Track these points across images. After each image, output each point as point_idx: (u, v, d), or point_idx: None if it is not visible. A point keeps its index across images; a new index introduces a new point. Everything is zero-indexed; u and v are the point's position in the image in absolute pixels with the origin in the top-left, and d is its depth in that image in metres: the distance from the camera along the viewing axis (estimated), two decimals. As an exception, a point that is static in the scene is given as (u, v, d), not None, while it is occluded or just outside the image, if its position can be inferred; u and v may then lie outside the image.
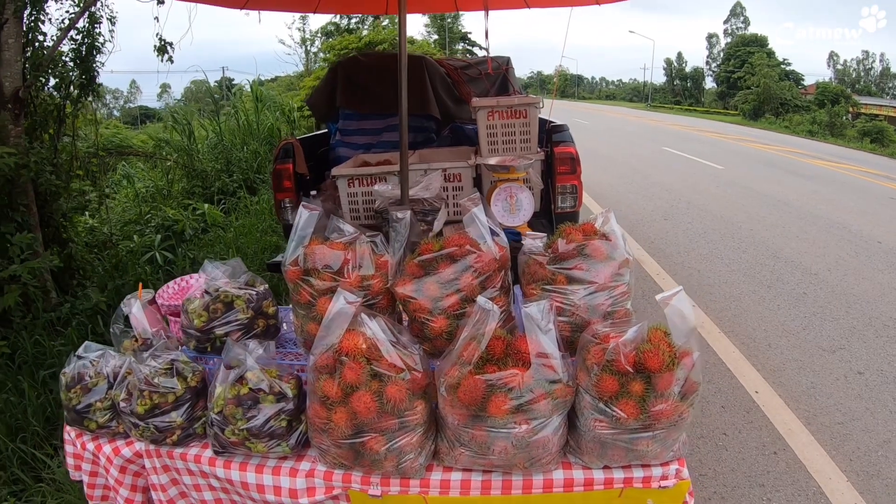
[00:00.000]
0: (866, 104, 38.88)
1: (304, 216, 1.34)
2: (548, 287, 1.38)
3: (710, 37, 57.94)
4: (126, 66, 4.31)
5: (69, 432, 1.59)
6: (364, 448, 1.18)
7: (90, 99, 4.27)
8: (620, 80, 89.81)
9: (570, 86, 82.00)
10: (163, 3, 4.26)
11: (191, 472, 1.44)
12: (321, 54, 19.75)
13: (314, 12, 4.03)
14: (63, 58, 4.23)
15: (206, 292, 1.48)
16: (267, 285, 1.56)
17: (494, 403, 1.14)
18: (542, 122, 3.37)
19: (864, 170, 12.39)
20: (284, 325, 1.67)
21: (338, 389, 1.14)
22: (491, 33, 3.99)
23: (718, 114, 40.59)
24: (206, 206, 5.10)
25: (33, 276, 3.57)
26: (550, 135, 3.28)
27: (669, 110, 45.52)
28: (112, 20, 4.29)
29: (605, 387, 1.15)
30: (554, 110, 3.64)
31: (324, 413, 1.18)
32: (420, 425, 1.20)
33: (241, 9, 3.23)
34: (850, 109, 34.66)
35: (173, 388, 1.36)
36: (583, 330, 1.30)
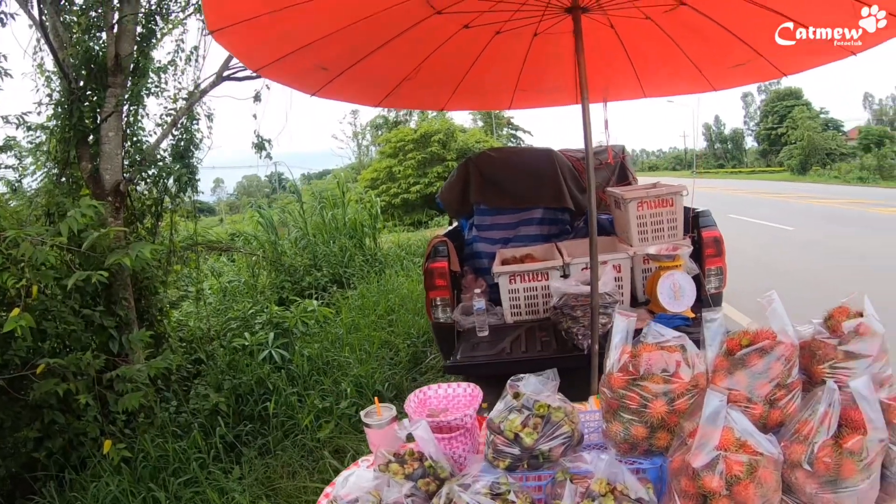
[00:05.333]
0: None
1: (622, 323, 1.59)
2: (838, 365, 1.65)
3: (744, 96, 60.19)
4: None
5: None
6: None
7: (189, 194, 4.52)
8: (661, 150, 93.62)
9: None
10: (259, 100, 4.62)
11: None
12: (374, 147, 21.06)
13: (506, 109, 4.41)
14: (162, 153, 4.50)
15: (524, 407, 1.57)
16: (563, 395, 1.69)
17: (846, 468, 1.38)
18: (686, 208, 3.70)
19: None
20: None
21: (720, 483, 1.36)
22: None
23: (763, 172, 42.19)
24: (315, 302, 5.28)
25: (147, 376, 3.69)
26: (697, 220, 3.59)
27: (715, 175, 47.31)
28: (210, 117, 4.59)
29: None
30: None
31: (696, 508, 1.39)
32: (777, 502, 1.43)
33: (377, 106, 3.61)
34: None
35: (509, 513, 1.35)
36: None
